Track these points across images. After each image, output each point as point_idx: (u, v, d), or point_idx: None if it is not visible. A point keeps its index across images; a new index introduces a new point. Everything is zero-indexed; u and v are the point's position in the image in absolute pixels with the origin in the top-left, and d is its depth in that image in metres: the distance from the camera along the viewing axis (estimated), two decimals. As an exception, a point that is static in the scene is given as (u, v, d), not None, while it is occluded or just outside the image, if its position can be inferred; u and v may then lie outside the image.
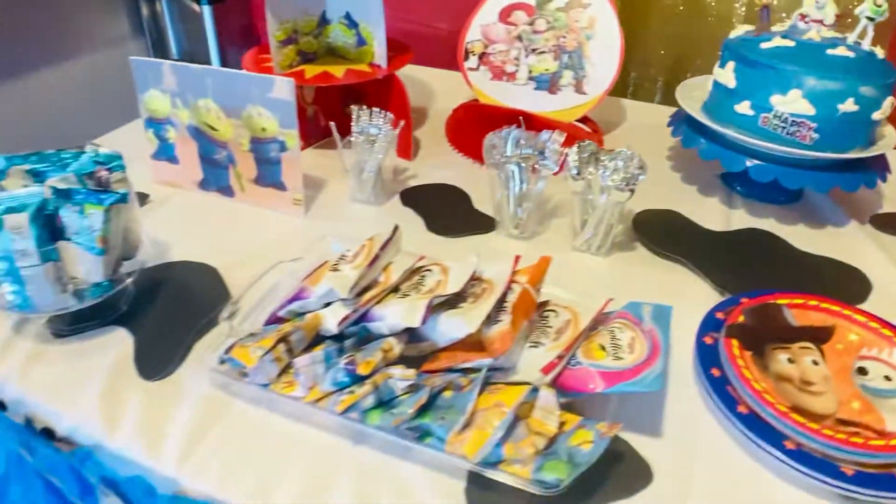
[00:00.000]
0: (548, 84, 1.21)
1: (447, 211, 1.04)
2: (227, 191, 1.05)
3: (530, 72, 1.22)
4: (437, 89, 1.50)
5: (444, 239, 0.98)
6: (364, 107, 1.02)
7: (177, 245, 0.94)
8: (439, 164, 1.17)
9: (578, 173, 0.89)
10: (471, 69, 1.25)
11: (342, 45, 1.18)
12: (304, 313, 0.76)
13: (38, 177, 0.79)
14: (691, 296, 0.88)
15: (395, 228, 0.82)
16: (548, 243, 0.97)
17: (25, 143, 2.01)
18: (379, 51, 1.12)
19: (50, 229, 0.73)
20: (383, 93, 1.16)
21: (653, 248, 0.96)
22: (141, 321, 0.81)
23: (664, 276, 0.92)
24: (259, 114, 0.95)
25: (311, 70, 1.14)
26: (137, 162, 1.11)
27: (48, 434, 0.74)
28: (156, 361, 0.76)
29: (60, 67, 2.01)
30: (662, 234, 0.99)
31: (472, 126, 1.23)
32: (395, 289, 0.76)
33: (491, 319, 0.69)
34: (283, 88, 0.92)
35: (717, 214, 1.07)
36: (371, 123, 1.02)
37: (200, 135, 1.02)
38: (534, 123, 1.17)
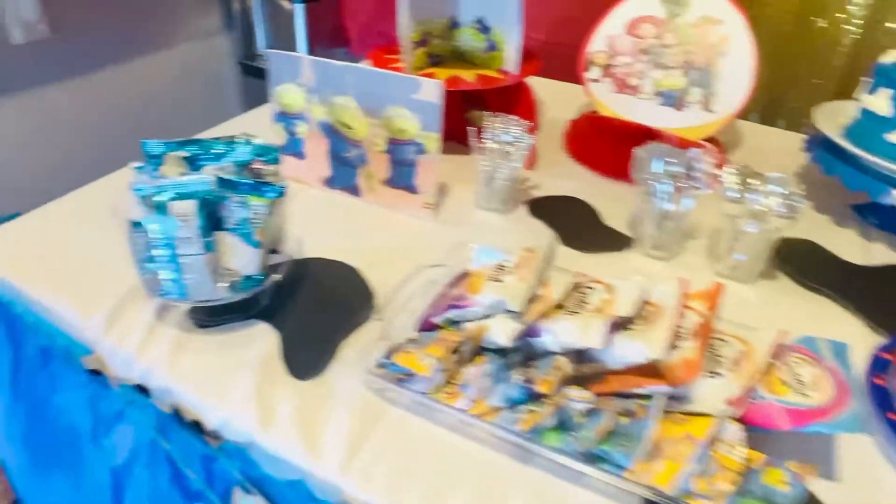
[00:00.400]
0: (674, 100, 1.17)
1: (576, 225, 1.00)
2: (354, 189, 1.03)
3: (656, 86, 1.18)
4: (546, 99, 1.47)
5: (578, 254, 0.94)
6: (497, 114, 0.99)
7: (309, 241, 0.91)
8: (561, 175, 1.13)
9: (736, 196, 0.85)
10: (592, 80, 1.22)
11: (470, 50, 1.15)
12: (459, 322, 0.72)
13: (193, 164, 0.77)
14: (842, 332, 0.83)
15: (550, 241, 0.79)
16: (688, 266, 0.93)
17: (119, 134, 2.04)
18: (511, 57, 1.09)
19: (211, 219, 0.71)
20: (508, 100, 1.12)
21: (797, 278, 0.91)
22: (284, 317, 0.79)
23: (811, 308, 0.87)
24: (400, 115, 0.93)
25: (441, 73, 1.11)
26: None
27: (196, 427, 0.71)
28: (304, 360, 0.74)
29: (152, 59, 2.01)
30: (804, 264, 0.94)
31: (594, 138, 1.19)
32: (558, 305, 0.72)
33: (669, 345, 0.65)
34: (430, 91, 0.89)
35: (854, 247, 1.01)
36: (504, 130, 0.99)
37: (333, 132, 0.99)
38: (658, 140, 1.13)
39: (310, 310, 0.80)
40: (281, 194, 0.74)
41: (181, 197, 0.69)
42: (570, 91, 1.38)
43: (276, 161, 0.78)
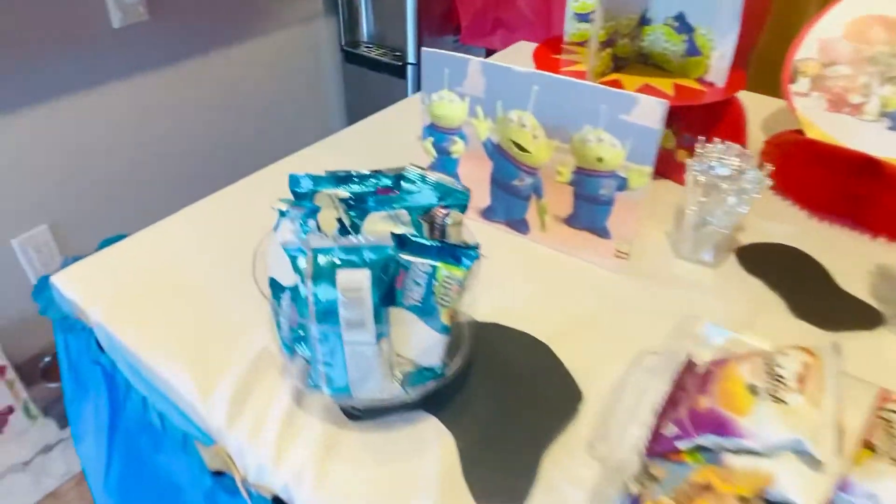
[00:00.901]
0: (912, 125, 0.91)
1: (804, 287, 0.76)
2: (519, 226, 0.81)
3: (883, 106, 0.92)
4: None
5: (817, 332, 0.70)
6: (710, 139, 0.76)
7: (476, 295, 0.70)
8: (766, 213, 0.89)
9: None
10: (799, 94, 0.96)
11: (662, 53, 0.91)
12: (712, 451, 0.50)
13: (354, 208, 0.56)
14: None
15: (835, 345, 0.56)
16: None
17: (216, 123, 1.88)
18: (720, 65, 0.85)
19: (381, 286, 0.50)
20: (709, 119, 0.88)
21: None
22: (459, 411, 0.59)
23: None
24: (599, 139, 0.70)
25: (628, 81, 0.88)
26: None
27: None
28: (496, 482, 0.53)
29: (250, 45, 1.83)
30: None
31: (800, 165, 0.94)
32: (866, 443, 0.49)
33: None
34: (649, 111, 0.66)
35: None
36: (721, 161, 0.75)
37: (501, 154, 0.78)
38: (878, 171, 0.88)
39: (493, 403, 0.59)
40: (477, 258, 0.53)
41: (350, 264, 0.48)
42: (759, 103, 1.13)
43: (464, 207, 0.57)
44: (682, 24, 0.87)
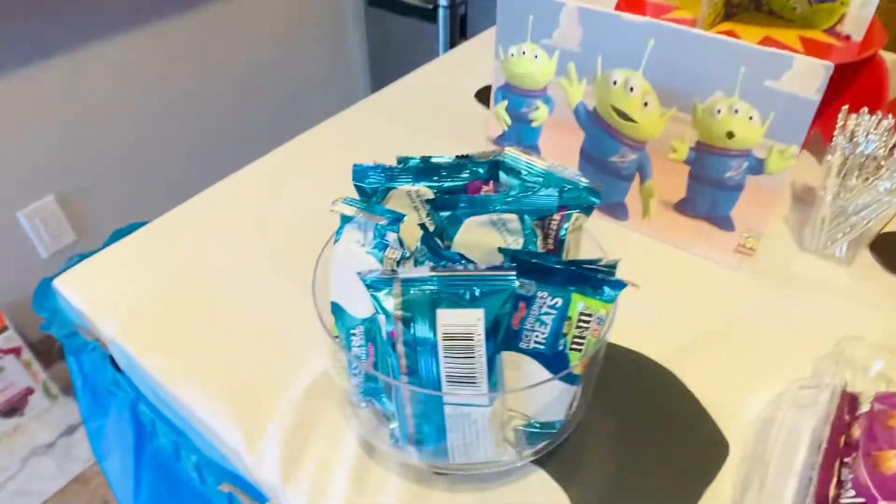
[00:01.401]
0: None
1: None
2: (616, 210, 0.66)
3: None
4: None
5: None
6: (863, 110, 0.60)
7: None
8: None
9: None
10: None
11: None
12: None
13: (444, 210, 0.42)
14: None
15: None
16: None
17: (229, 68, 1.69)
18: (861, 13, 0.67)
19: (502, 336, 0.36)
20: (836, 79, 0.71)
21: None
22: (573, 463, 0.45)
23: None
24: (734, 110, 0.54)
25: (744, 31, 0.71)
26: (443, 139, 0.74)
27: None
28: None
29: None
30: None
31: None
32: None
33: None
34: (807, 77, 0.50)
35: None
36: (867, 135, 0.60)
37: (598, 123, 0.62)
38: None
39: (614, 453, 0.46)
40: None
41: (456, 302, 0.34)
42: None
43: (590, 209, 0.42)
44: (814, -39, 0.70)
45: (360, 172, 0.43)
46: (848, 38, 0.70)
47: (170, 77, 1.48)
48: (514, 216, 0.41)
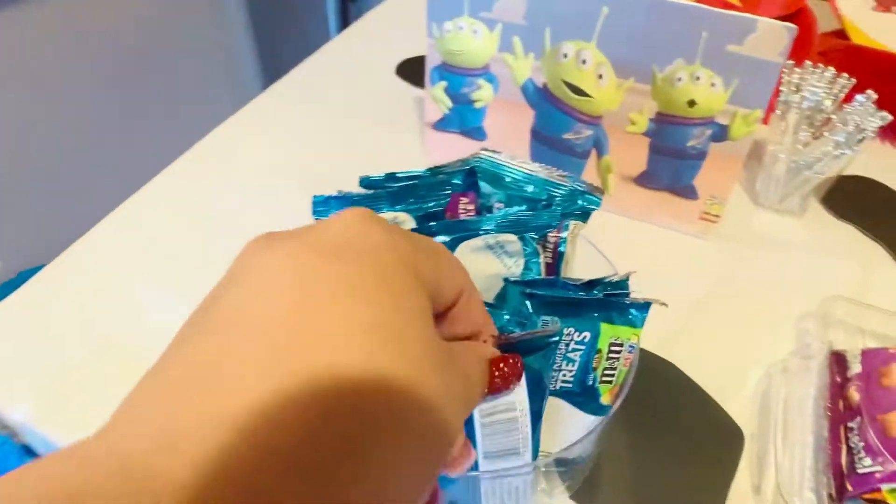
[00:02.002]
0: (975, 16, 0.77)
1: (894, 227, 0.63)
2: (570, 189, 0.62)
3: (948, -5, 0.77)
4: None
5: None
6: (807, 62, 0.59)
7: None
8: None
9: None
10: (849, -12, 0.79)
11: None
12: None
13: (455, 234, 0.35)
14: None
15: None
16: None
17: (102, 61, 1.46)
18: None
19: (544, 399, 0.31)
20: None
21: None
22: (591, 481, 0.42)
23: None
24: (696, 76, 0.51)
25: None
26: (380, 126, 0.67)
27: None
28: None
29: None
30: None
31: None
32: None
33: None
34: (770, 39, 0.47)
35: None
36: (815, 88, 0.58)
37: (548, 100, 0.57)
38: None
39: (630, 457, 0.43)
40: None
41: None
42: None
43: (588, 216, 0.37)
44: None
45: (321, 205, 0.36)
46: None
47: (19, 72, 1.27)
48: (513, 237, 0.35)
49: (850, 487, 0.41)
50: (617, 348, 0.33)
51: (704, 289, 0.56)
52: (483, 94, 0.60)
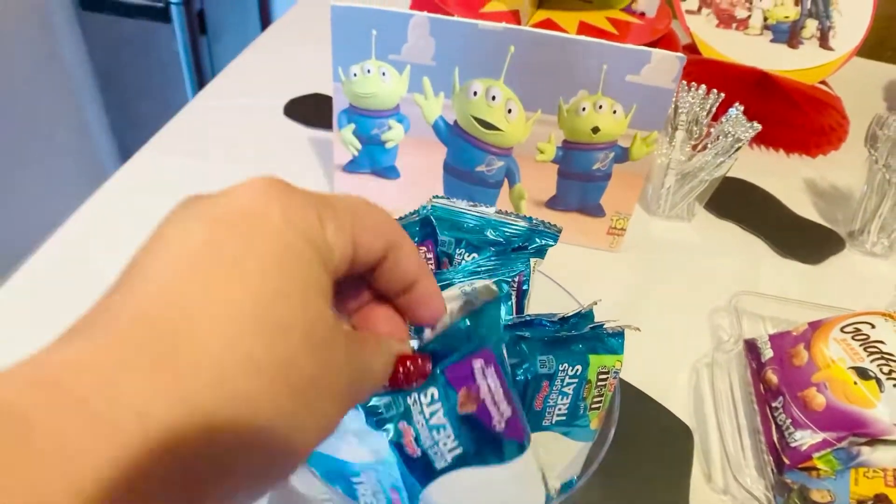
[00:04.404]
0: (787, 35, 0.88)
1: (772, 222, 0.71)
2: (487, 219, 0.62)
3: (766, 19, 0.88)
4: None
5: (804, 267, 0.66)
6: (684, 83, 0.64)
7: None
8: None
9: None
10: (690, 12, 0.88)
11: None
12: (843, 452, 0.42)
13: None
14: None
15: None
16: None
17: None
18: (650, -7, 0.71)
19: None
20: None
21: None
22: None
23: None
24: (599, 105, 0.54)
25: (561, 19, 0.70)
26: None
27: None
28: None
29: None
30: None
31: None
32: None
33: None
34: (664, 69, 0.51)
35: None
36: (692, 104, 0.64)
37: (460, 135, 0.58)
38: (771, 85, 0.86)
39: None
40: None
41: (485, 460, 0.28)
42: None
43: (545, 251, 0.38)
44: (601, -54, 0.72)
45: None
46: (643, 14, 0.74)
47: None
48: (488, 284, 0.35)
49: (786, 461, 0.45)
50: (604, 376, 0.33)
51: (622, 297, 0.59)
52: (394, 134, 0.59)
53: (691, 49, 0.89)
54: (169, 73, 1.56)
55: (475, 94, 0.55)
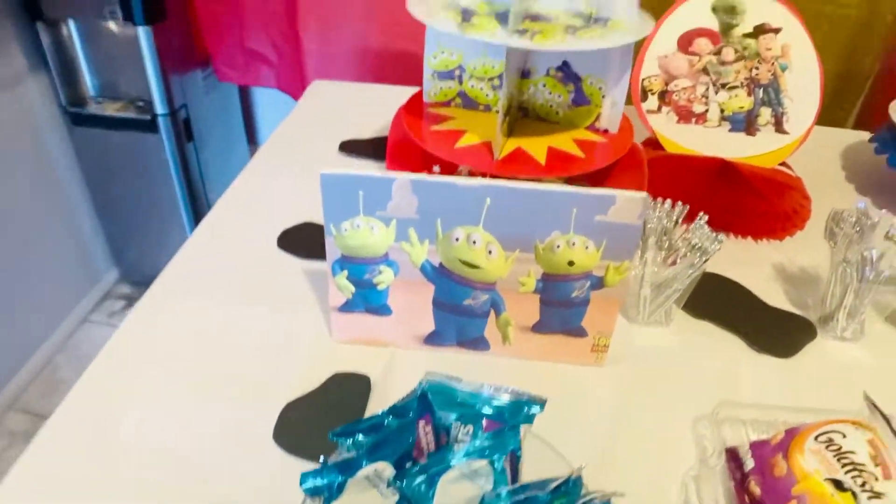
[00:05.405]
0: (744, 124, 0.95)
1: (744, 316, 0.75)
2: (477, 344, 0.67)
3: (722, 111, 0.94)
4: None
5: (778, 362, 0.70)
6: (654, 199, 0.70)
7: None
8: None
9: None
10: (651, 112, 0.95)
11: (544, 104, 0.81)
12: None
13: (410, 478, 0.38)
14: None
15: (873, 407, 0.54)
16: (883, 341, 0.73)
17: None
18: (612, 112, 0.77)
19: None
20: (614, 169, 0.80)
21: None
22: None
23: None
24: (572, 243, 0.59)
25: (529, 146, 0.76)
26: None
27: None
28: None
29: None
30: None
31: (671, 182, 0.93)
32: None
33: None
34: (628, 208, 0.56)
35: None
36: (661, 219, 0.69)
37: (446, 275, 0.62)
38: (734, 174, 0.91)
39: None
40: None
41: None
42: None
43: (533, 419, 0.42)
44: (568, 74, 0.78)
45: (308, 478, 0.37)
46: (606, 131, 0.80)
47: None
48: (483, 462, 0.38)
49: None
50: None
51: (610, 412, 0.62)
52: (384, 277, 0.63)
53: (655, 145, 0.95)
54: (158, 179, 1.61)
55: (457, 239, 0.59)
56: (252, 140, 1.92)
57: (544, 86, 0.80)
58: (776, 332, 0.73)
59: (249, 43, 1.56)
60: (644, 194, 0.56)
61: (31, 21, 1.44)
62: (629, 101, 0.84)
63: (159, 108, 1.53)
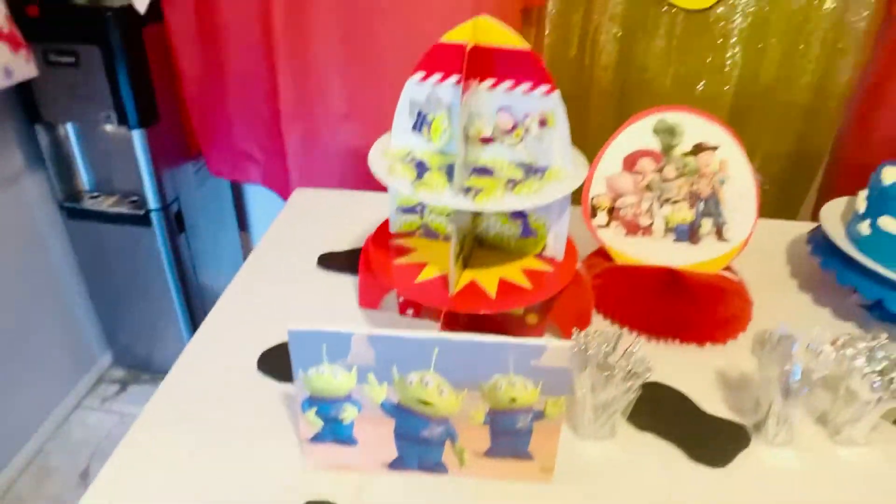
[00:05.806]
0: (687, 234, 1.03)
1: (682, 426, 0.82)
2: (436, 468, 0.74)
3: (667, 223, 1.03)
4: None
5: (712, 472, 0.77)
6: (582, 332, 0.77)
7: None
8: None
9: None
10: (600, 227, 1.04)
11: (497, 235, 0.90)
12: None
13: None
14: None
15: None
16: (811, 448, 0.80)
17: None
18: (556, 244, 0.86)
19: None
20: (559, 295, 0.88)
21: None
22: None
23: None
24: (513, 383, 0.66)
25: (481, 277, 0.84)
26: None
27: None
28: None
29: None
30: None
31: (621, 292, 1.01)
32: None
33: None
34: (558, 355, 0.64)
35: None
36: (604, 343, 0.77)
37: (404, 411, 0.70)
38: (681, 281, 1.00)
39: None
40: None
41: None
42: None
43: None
44: (515, 213, 0.87)
45: None
46: (552, 259, 0.88)
47: None
48: None
49: None
50: None
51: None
52: (349, 413, 0.71)
53: (606, 255, 1.04)
54: (151, 268, 1.70)
55: (412, 382, 0.67)
56: (243, 227, 2.01)
57: (496, 220, 0.89)
58: (711, 441, 0.80)
59: (238, 142, 1.66)
60: (570, 342, 0.63)
61: (30, 123, 1.54)
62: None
63: (152, 203, 1.61)
